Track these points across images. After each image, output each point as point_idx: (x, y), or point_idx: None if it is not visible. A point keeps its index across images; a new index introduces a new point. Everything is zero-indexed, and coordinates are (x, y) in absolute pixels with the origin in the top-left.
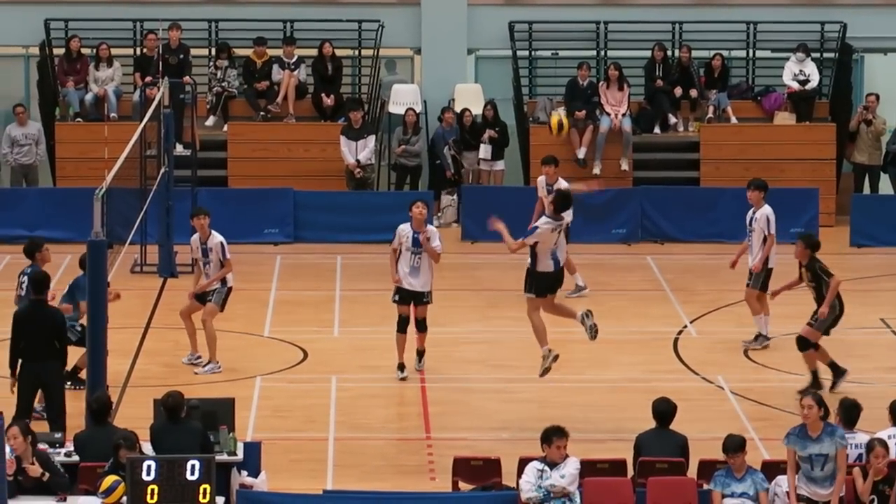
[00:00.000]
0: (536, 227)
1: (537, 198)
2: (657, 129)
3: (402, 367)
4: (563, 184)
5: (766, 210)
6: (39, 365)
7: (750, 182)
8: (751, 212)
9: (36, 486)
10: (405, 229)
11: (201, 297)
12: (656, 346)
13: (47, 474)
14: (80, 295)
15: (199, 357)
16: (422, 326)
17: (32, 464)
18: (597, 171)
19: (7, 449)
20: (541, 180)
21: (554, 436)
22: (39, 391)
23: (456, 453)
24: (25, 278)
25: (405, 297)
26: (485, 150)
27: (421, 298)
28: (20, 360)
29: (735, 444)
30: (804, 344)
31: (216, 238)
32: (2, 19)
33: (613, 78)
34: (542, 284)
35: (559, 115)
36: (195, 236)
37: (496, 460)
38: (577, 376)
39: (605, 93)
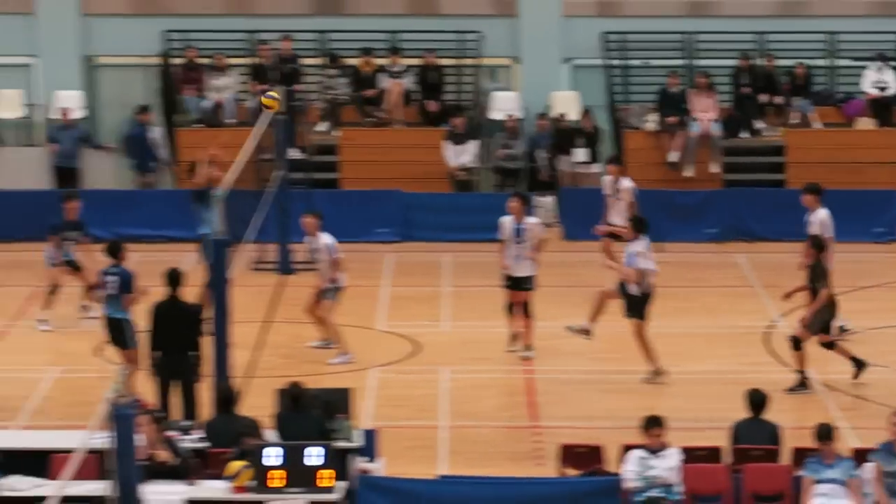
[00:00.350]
0: (636, 257)
1: (603, 195)
2: (745, 134)
3: (515, 336)
4: (625, 182)
5: (822, 213)
6: (175, 356)
7: (804, 186)
8: (807, 214)
9: (165, 471)
10: (507, 220)
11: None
12: (748, 339)
13: (175, 459)
14: None
15: (329, 342)
16: (526, 310)
17: (161, 450)
18: (689, 173)
19: None
20: (606, 179)
21: (651, 425)
22: None
23: (561, 441)
24: (115, 278)
25: (511, 283)
26: (580, 154)
27: (524, 284)
28: (157, 352)
29: (825, 432)
30: (797, 343)
31: (323, 239)
32: (125, 31)
33: (702, 85)
34: (645, 305)
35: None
36: (307, 237)
37: (599, 447)
38: (675, 368)
39: (694, 99)
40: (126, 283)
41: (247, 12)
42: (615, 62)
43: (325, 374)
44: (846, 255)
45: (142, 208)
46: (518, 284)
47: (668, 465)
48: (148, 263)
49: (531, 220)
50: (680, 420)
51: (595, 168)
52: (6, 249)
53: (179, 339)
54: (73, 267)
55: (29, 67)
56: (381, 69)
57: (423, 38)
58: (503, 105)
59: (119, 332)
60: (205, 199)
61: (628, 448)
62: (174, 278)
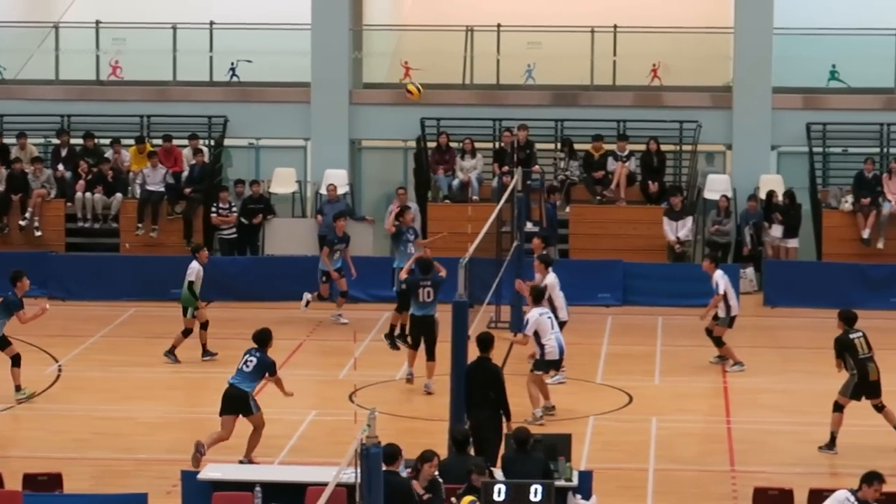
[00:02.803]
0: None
1: None
2: None
3: None
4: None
5: None
6: (485, 413)
7: None
8: None
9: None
10: None
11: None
12: None
13: (428, 495)
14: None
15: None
16: None
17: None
18: (880, 245)
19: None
20: None
21: (875, 479)
22: None
23: (756, 484)
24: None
25: None
26: (776, 230)
27: None
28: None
29: None
30: None
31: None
32: (386, 118)
33: (894, 170)
34: None
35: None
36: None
37: (790, 491)
38: (861, 422)
39: (887, 183)
40: (481, 344)
41: (493, 103)
42: (817, 149)
43: (549, 421)
44: None
45: (383, 273)
46: None
47: None
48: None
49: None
50: (865, 468)
51: (792, 243)
52: (277, 308)
53: (484, 397)
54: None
55: (303, 149)
56: (610, 153)
57: (647, 126)
58: (717, 186)
59: None
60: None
61: (815, 492)
62: (484, 342)
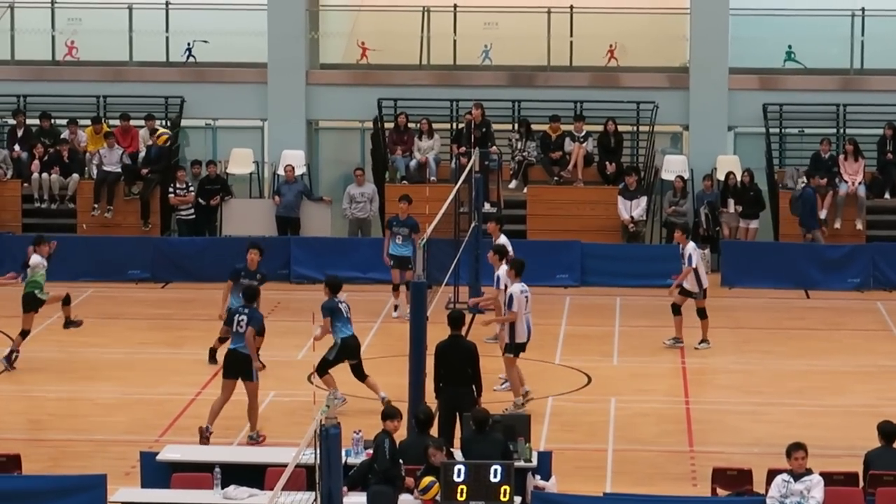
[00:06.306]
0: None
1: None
2: (887, 195)
3: None
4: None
5: None
6: (458, 390)
7: None
8: None
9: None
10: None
11: None
12: (884, 377)
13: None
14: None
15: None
16: None
17: None
18: (837, 225)
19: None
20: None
21: (792, 450)
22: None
23: (714, 464)
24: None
25: None
26: (735, 210)
27: None
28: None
29: None
30: None
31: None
32: (343, 99)
33: (850, 151)
34: None
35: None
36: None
37: (748, 471)
38: (818, 401)
39: (843, 164)
40: (452, 321)
41: (450, 83)
42: (774, 130)
43: (509, 401)
44: None
45: (351, 254)
46: None
47: (807, 488)
48: (354, 302)
49: None
50: (821, 448)
51: (753, 224)
52: None
53: (460, 374)
54: None
55: (260, 129)
56: (567, 134)
57: (604, 107)
58: (673, 167)
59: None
60: None
61: (773, 472)
62: (456, 320)
